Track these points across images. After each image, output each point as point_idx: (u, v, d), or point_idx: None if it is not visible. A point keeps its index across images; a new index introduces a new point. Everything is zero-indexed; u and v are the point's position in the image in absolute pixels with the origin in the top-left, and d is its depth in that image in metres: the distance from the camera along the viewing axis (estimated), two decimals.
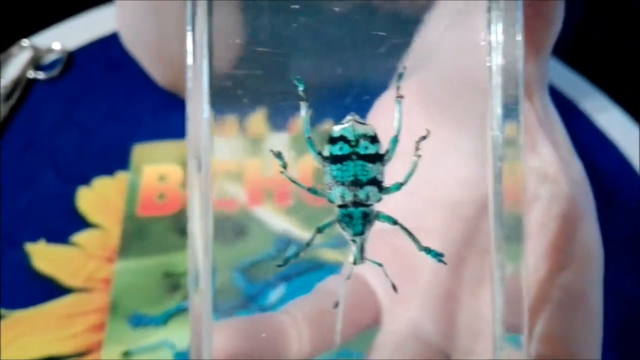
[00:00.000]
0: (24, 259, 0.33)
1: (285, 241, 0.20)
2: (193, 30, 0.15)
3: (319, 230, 0.16)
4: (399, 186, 0.16)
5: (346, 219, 0.16)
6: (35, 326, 0.30)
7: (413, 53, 0.18)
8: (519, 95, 0.15)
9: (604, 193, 0.38)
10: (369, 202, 0.16)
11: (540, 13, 0.19)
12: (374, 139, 0.16)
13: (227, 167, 0.21)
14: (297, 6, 0.17)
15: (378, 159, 0.16)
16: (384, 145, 0.17)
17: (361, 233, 0.16)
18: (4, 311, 0.30)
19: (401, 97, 0.16)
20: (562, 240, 0.19)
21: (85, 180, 0.36)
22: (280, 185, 0.21)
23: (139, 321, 0.30)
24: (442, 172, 0.20)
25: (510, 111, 0.15)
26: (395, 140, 0.16)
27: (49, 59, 0.44)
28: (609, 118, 0.42)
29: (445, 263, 0.17)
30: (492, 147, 0.15)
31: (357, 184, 0.16)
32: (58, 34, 0.45)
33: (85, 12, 0.47)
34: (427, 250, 0.17)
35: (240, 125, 0.18)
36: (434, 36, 0.19)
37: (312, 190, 0.16)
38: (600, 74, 0.45)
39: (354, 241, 0.16)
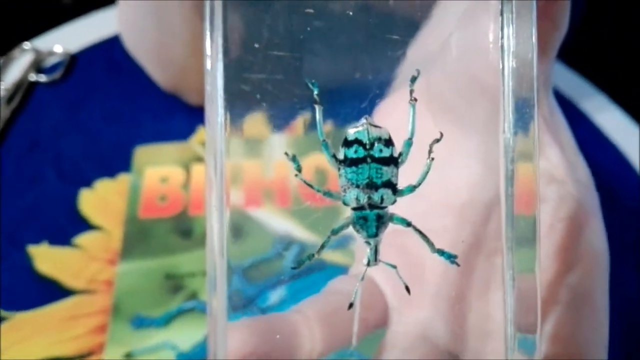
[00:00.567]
0: (27, 261, 0.33)
1: (285, 243, 0.21)
2: (211, 33, 0.15)
3: (334, 232, 0.16)
4: (412, 188, 0.17)
5: (361, 221, 0.16)
6: (38, 328, 0.30)
7: (420, 55, 0.18)
8: (533, 97, 0.15)
9: (604, 193, 0.38)
10: (383, 205, 0.16)
11: (547, 16, 0.19)
12: (388, 142, 0.16)
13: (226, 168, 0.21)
14: (311, 10, 0.17)
15: (392, 161, 0.16)
16: (397, 148, 0.17)
17: (375, 235, 0.16)
18: (6, 313, 0.31)
19: (415, 100, 0.16)
20: (570, 240, 0.19)
21: (87, 183, 0.37)
22: (279, 187, 0.21)
23: (141, 323, 0.30)
24: (450, 175, 0.20)
25: (521, 113, 0.15)
26: (409, 144, 0.16)
27: (50, 61, 0.44)
28: (609, 118, 0.43)
29: (458, 265, 0.17)
30: (503, 149, 0.15)
31: (371, 186, 0.16)
32: (60, 37, 0.46)
33: (86, 15, 0.47)
34: (441, 252, 0.17)
35: (237, 126, 0.18)
36: (440, 39, 0.19)
37: (327, 193, 0.17)
38: (600, 75, 0.45)
39: (368, 243, 0.16)
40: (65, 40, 0.45)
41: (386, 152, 0.16)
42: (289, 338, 0.18)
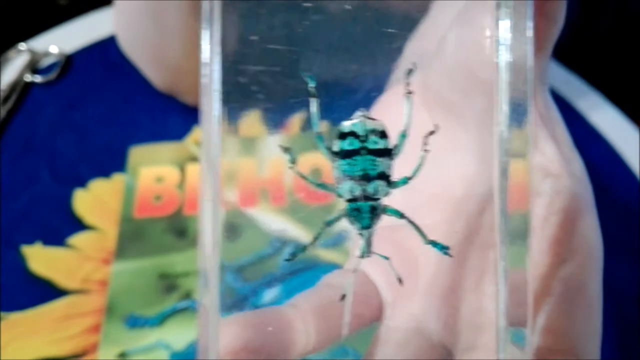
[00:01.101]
0: (21, 261, 0.33)
1: (281, 241, 0.21)
2: (210, 29, 0.15)
3: (328, 224, 0.17)
4: (406, 180, 0.17)
5: (355, 213, 0.16)
6: (32, 328, 0.30)
7: (416, 52, 0.18)
8: (528, 91, 0.15)
9: (599, 191, 0.38)
10: (377, 196, 0.16)
11: (543, 12, 0.19)
12: (383, 134, 0.16)
13: (224, 166, 0.21)
14: (309, 4, 0.17)
15: (387, 153, 0.16)
16: (393, 141, 0.17)
17: (369, 226, 0.16)
18: (0, 313, 0.30)
19: (411, 92, 0.16)
20: (564, 234, 0.19)
21: (82, 183, 0.37)
22: (275, 185, 0.21)
23: (135, 322, 0.30)
24: (445, 169, 0.20)
25: (516, 107, 0.15)
26: (404, 136, 0.17)
27: (46, 62, 0.44)
28: (604, 117, 0.43)
29: (451, 256, 0.17)
30: (498, 142, 0.15)
31: (366, 178, 0.16)
32: (55, 38, 0.46)
33: (82, 16, 0.47)
34: (434, 244, 0.17)
35: (233, 124, 0.18)
36: (437, 34, 0.19)
37: (321, 185, 0.17)
38: (595, 73, 0.45)
39: (361, 234, 0.17)
40: (60, 41, 0.45)
41: (381, 144, 0.16)
42: (283, 331, 0.18)
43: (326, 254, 0.20)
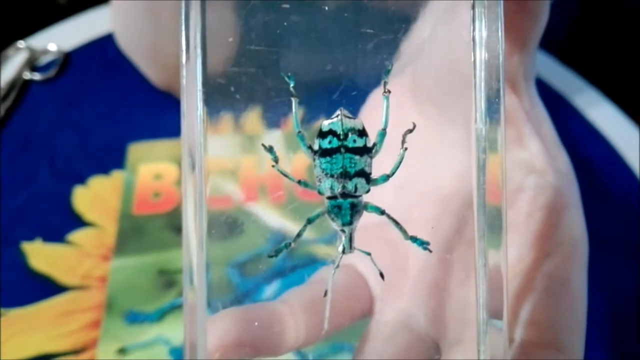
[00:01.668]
0: (21, 257, 0.33)
1: (280, 237, 0.21)
2: (187, 29, 0.15)
3: (309, 220, 0.17)
4: (386, 178, 0.17)
5: (335, 210, 0.17)
6: (32, 324, 0.30)
7: (405, 50, 0.18)
8: (500, 88, 0.15)
9: (596, 187, 0.38)
10: (357, 194, 0.17)
11: (526, 9, 0.19)
12: (362, 133, 0.17)
13: (223, 164, 0.21)
14: (287, 5, 0.17)
15: (366, 151, 0.17)
16: (373, 139, 0.17)
17: (350, 223, 0.17)
18: (0, 309, 0.31)
19: (389, 92, 0.17)
20: (548, 229, 0.19)
21: (81, 180, 0.37)
22: (274, 182, 0.21)
23: (134, 318, 0.31)
24: (435, 166, 0.20)
25: (492, 104, 0.15)
26: (382, 134, 0.17)
27: (45, 60, 0.44)
28: (601, 113, 0.43)
29: (431, 251, 0.17)
30: (475, 139, 0.15)
31: (345, 175, 0.16)
32: (54, 36, 0.46)
33: (80, 13, 0.47)
34: (414, 239, 0.17)
35: (236, 123, 0.19)
36: (424, 33, 0.19)
37: (303, 183, 0.17)
38: (592, 70, 0.46)
39: (343, 231, 0.17)
40: (59, 38, 0.45)
41: (360, 143, 0.17)
42: (273, 326, 0.18)
43: (324, 251, 0.20)
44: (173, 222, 0.35)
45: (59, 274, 0.32)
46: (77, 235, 0.34)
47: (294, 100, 0.16)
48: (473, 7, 0.16)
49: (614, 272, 0.34)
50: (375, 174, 0.17)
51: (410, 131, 0.17)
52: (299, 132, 0.17)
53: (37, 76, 0.43)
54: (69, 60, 0.45)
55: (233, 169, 0.21)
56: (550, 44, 0.43)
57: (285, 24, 0.17)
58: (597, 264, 0.34)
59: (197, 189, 0.15)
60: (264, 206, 0.26)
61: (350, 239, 0.17)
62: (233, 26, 0.17)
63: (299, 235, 0.17)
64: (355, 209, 0.17)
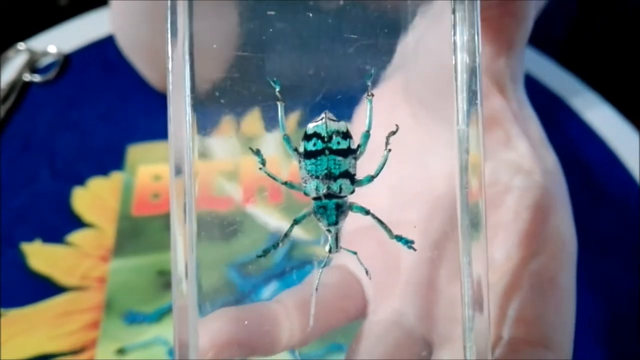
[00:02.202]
0: (20, 258, 0.33)
1: (278, 238, 0.21)
2: (174, 35, 0.15)
3: (296, 221, 0.17)
4: (370, 178, 0.17)
5: (321, 210, 0.17)
6: (32, 324, 0.30)
7: (398, 53, 0.18)
8: (478, 90, 0.16)
9: (593, 189, 0.39)
10: (342, 194, 0.17)
11: (510, 12, 0.19)
12: (346, 135, 0.17)
13: (222, 166, 0.21)
14: (272, 12, 0.17)
15: (350, 153, 0.17)
16: (357, 141, 0.17)
17: (335, 223, 0.17)
18: (0, 310, 0.31)
19: (372, 95, 0.17)
20: (535, 228, 0.20)
21: (81, 181, 0.37)
22: (273, 183, 0.21)
23: (133, 319, 0.31)
24: (427, 166, 0.20)
25: (471, 106, 0.16)
26: (366, 136, 0.17)
27: (44, 62, 0.45)
28: (599, 115, 0.43)
29: (415, 250, 0.17)
30: (458, 140, 0.16)
31: (330, 177, 0.17)
32: (54, 38, 0.46)
33: (80, 15, 0.48)
34: (398, 238, 0.17)
35: (235, 125, 0.19)
36: (416, 36, 0.19)
37: (289, 185, 0.17)
38: (590, 72, 0.46)
39: (329, 231, 0.17)
40: (59, 40, 0.45)
41: (344, 145, 0.17)
42: (267, 326, 0.18)
43: (322, 251, 0.20)
44: None
45: (59, 275, 0.32)
46: (77, 236, 0.34)
47: (279, 104, 0.17)
48: (454, 12, 0.16)
49: (613, 273, 0.34)
50: (363, 176, 0.17)
51: (394, 133, 0.17)
52: (285, 135, 0.17)
53: (37, 78, 0.43)
54: (68, 62, 0.45)
55: (232, 171, 0.21)
56: (550, 45, 0.44)
57: (270, 30, 0.18)
58: (596, 265, 0.34)
59: (185, 192, 0.16)
60: (263, 207, 0.26)
61: (337, 239, 0.17)
62: (219, 32, 0.18)
63: (286, 235, 0.17)
64: (341, 209, 0.17)
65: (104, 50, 0.45)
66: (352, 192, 0.17)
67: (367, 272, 0.17)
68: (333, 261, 0.20)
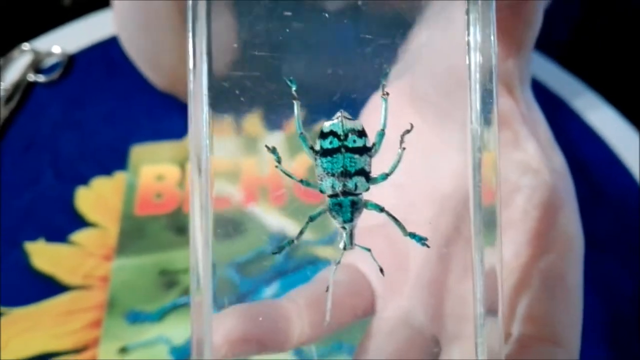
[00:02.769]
0: (24, 257, 0.33)
1: (280, 238, 0.21)
2: (194, 35, 0.16)
3: (311, 218, 0.17)
4: (385, 176, 0.17)
5: (336, 208, 0.17)
6: (35, 323, 0.31)
7: (405, 54, 0.19)
8: (494, 90, 0.16)
9: (595, 190, 0.39)
10: (357, 192, 0.17)
11: (519, 14, 0.20)
12: (361, 133, 0.17)
13: (224, 166, 0.21)
14: (289, 13, 0.17)
15: (365, 151, 0.17)
16: (372, 140, 0.17)
17: (350, 220, 0.17)
18: (4, 309, 0.31)
19: (387, 94, 0.17)
20: (544, 226, 0.20)
21: (84, 181, 0.37)
22: (275, 183, 0.22)
23: (135, 318, 0.31)
24: (434, 166, 0.21)
25: (486, 104, 0.16)
26: (381, 134, 0.17)
27: (49, 62, 0.45)
28: (600, 115, 0.43)
29: (428, 247, 0.17)
30: (471, 139, 0.16)
31: (346, 174, 0.17)
32: (58, 38, 0.46)
33: (84, 16, 0.48)
34: (412, 235, 0.17)
35: (237, 125, 0.19)
36: (423, 37, 0.19)
37: (305, 182, 0.17)
38: (591, 73, 0.46)
39: (344, 228, 0.17)
40: (63, 41, 0.46)
41: (359, 143, 0.17)
42: (279, 323, 0.19)
43: (323, 251, 0.20)
44: (174, 223, 0.35)
45: (62, 274, 0.33)
46: (80, 236, 0.34)
47: (296, 103, 0.17)
48: (467, 13, 0.16)
49: (613, 274, 0.35)
50: (377, 173, 0.17)
51: (408, 132, 0.17)
52: (301, 133, 0.17)
53: (41, 78, 0.43)
54: (72, 62, 0.45)
55: (235, 170, 0.22)
56: (552, 46, 0.44)
57: (287, 30, 0.18)
58: (596, 266, 0.34)
59: (203, 190, 0.16)
60: (265, 207, 0.26)
61: (351, 236, 0.17)
62: (237, 32, 0.18)
63: (301, 232, 0.17)
64: (356, 207, 0.17)
65: (108, 51, 0.45)
66: (367, 189, 0.17)
67: (381, 269, 0.17)
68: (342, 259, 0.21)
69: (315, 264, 0.21)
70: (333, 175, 0.17)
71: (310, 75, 0.18)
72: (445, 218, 0.20)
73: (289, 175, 0.17)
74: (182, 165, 0.38)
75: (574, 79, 0.45)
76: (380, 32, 0.18)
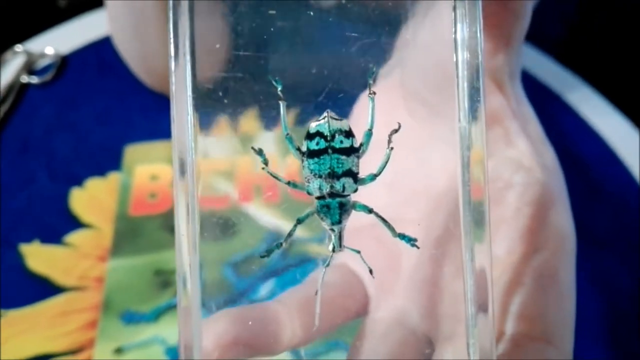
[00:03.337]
0: (19, 259, 0.33)
1: (275, 237, 0.21)
2: (175, 36, 0.15)
3: (299, 220, 0.17)
4: (373, 177, 0.17)
5: (324, 209, 0.17)
6: (30, 325, 0.31)
7: (394, 51, 0.19)
8: (481, 87, 0.16)
9: (592, 186, 0.39)
10: (345, 193, 0.17)
11: (508, 7, 0.19)
12: (348, 134, 0.17)
13: (219, 165, 0.21)
14: (273, 12, 0.17)
15: (353, 152, 0.17)
16: (361, 139, 0.17)
17: (339, 222, 0.17)
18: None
19: (374, 93, 0.17)
20: (536, 224, 0.20)
21: (78, 181, 0.37)
22: (269, 182, 0.22)
23: (130, 318, 0.31)
24: (426, 164, 0.20)
25: (474, 102, 0.16)
26: (369, 134, 0.17)
27: (42, 63, 0.45)
28: (595, 110, 0.43)
29: (418, 247, 0.17)
30: (460, 137, 0.16)
31: (333, 175, 0.17)
32: (51, 39, 0.46)
33: (77, 17, 0.48)
34: (402, 236, 0.17)
35: (232, 124, 0.19)
36: (411, 34, 0.19)
37: (292, 184, 0.17)
38: (590, 70, 0.46)
39: (332, 230, 0.17)
40: (56, 42, 0.46)
41: (346, 143, 0.17)
42: (270, 326, 0.18)
43: (319, 249, 0.20)
44: (169, 223, 0.35)
45: (57, 275, 0.33)
46: (74, 237, 0.34)
47: (281, 104, 0.17)
48: (454, 10, 0.16)
49: (612, 271, 0.34)
50: (366, 174, 0.17)
51: (396, 131, 0.17)
52: (287, 134, 0.17)
53: (34, 79, 0.43)
54: (65, 63, 0.45)
55: (228, 170, 0.22)
56: (549, 43, 0.44)
57: (271, 29, 0.18)
58: (595, 263, 0.34)
59: (188, 192, 0.16)
60: (259, 206, 0.26)
61: (340, 238, 0.17)
62: (221, 32, 0.18)
63: (289, 235, 0.17)
64: (344, 208, 0.17)
65: (101, 52, 0.45)
66: (355, 190, 0.17)
67: (370, 271, 0.17)
68: (333, 260, 0.20)
69: (310, 262, 0.21)
70: (320, 176, 0.17)
71: (296, 75, 0.18)
72: (439, 216, 0.20)
73: (276, 177, 0.17)
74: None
75: (570, 73, 0.45)
76: (366, 30, 0.18)
